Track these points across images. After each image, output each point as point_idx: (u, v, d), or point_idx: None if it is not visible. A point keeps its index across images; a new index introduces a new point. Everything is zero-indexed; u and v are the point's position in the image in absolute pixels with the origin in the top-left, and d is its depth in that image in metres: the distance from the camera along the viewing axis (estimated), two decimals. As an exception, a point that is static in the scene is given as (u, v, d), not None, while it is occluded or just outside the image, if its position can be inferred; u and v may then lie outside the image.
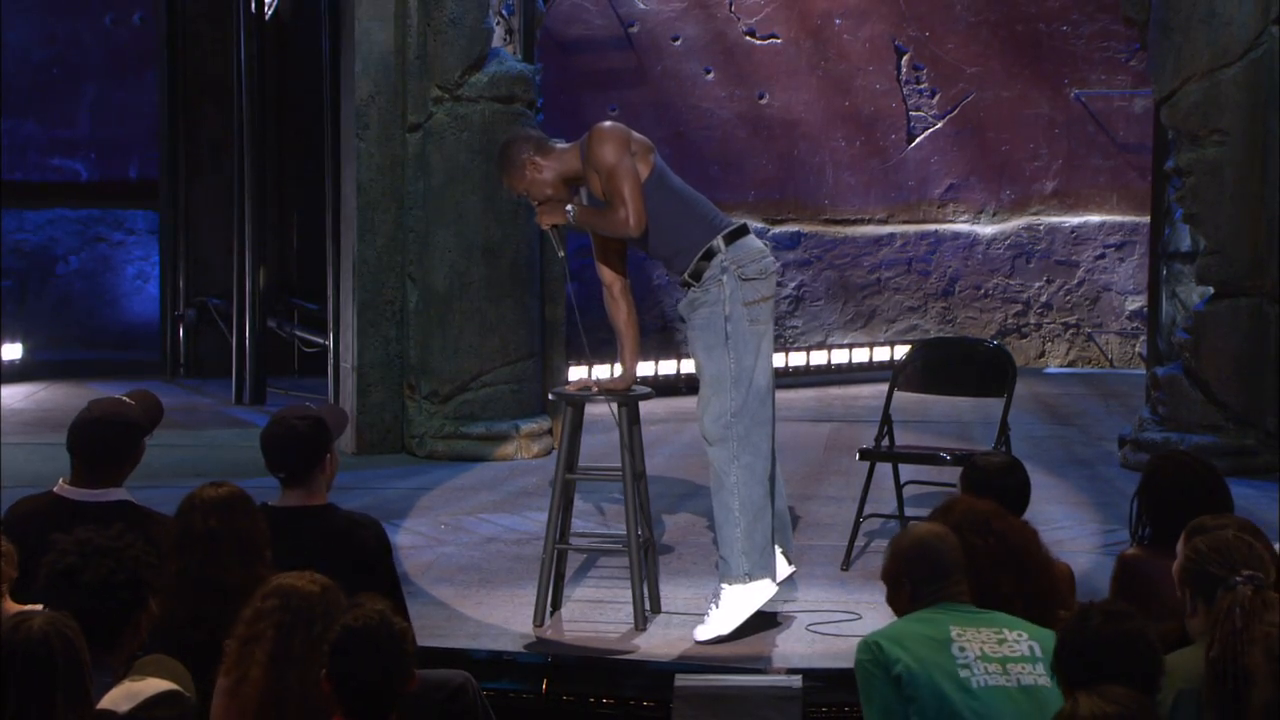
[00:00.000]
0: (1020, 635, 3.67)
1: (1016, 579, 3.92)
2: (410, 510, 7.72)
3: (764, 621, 5.79)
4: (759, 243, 5.74)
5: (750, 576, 5.56)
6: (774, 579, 5.66)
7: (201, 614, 3.87)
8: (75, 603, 3.40)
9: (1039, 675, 3.61)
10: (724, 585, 5.57)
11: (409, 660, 3.36)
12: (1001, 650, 3.63)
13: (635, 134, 5.74)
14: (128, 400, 4.65)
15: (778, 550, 5.81)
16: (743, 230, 5.71)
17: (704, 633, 5.58)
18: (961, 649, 3.63)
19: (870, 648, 3.71)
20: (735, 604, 5.56)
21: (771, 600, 5.86)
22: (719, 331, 5.57)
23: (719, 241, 5.61)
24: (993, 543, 3.94)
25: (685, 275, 5.65)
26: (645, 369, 11.20)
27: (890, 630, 3.76)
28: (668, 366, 11.26)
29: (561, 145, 5.77)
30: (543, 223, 5.78)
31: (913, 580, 3.79)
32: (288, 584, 3.54)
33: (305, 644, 3.47)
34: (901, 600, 3.83)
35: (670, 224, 5.64)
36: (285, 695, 3.47)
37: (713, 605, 5.60)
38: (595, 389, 5.90)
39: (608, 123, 5.72)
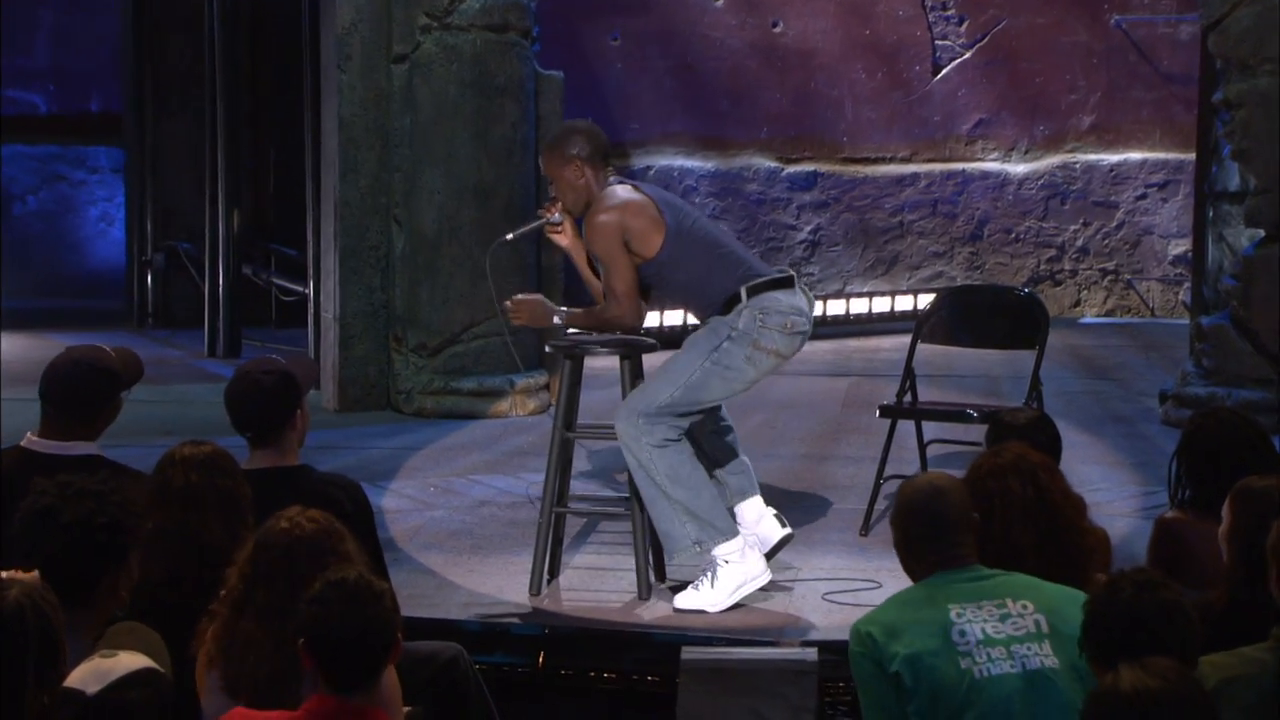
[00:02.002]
0: (1025, 607, 3.65)
1: (1040, 538, 3.92)
2: (396, 471, 7.76)
3: (776, 590, 5.84)
4: (798, 300, 5.73)
5: (702, 545, 5.58)
6: (746, 542, 5.67)
7: (178, 575, 3.90)
8: (51, 544, 3.41)
9: (1045, 655, 3.60)
10: (717, 559, 5.59)
11: (391, 622, 3.38)
12: (1005, 629, 3.63)
13: (640, 202, 5.68)
14: (108, 349, 4.68)
15: (770, 512, 5.86)
16: (777, 283, 5.72)
17: (685, 600, 5.63)
18: (962, 633, 3.63)
19: (864, 639, 3.70)
20: (727, 580, 5.61)
21: (780, 567, 5.90)
22: (711, 343, 5.64)
23: (742, 291, 5.66)
24: (1031, 494, 3.95)
25: (706, 316, 5.76)
26: (651, 319, 11.20)
27: (884, 616, 3.75)
28: (674, 316, 11.26)
29: (612, 178, 5.76)
30: (550, 213, 5.85)
31: (909, 536, 3.81)
32: (266, 527, 3.60)
33: (269, 594, 3.50)
34: (906, 560, 3.84)
35: (694, 276, 5.71)
36: (247, 640, 3.49)
37: (703, 577, 5.64)
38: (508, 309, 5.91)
39: (606, 207, 5.68)
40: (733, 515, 5.82)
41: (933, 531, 3.77)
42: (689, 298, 5.81)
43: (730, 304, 5.67)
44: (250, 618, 3.53)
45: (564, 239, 5.90)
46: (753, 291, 5.67)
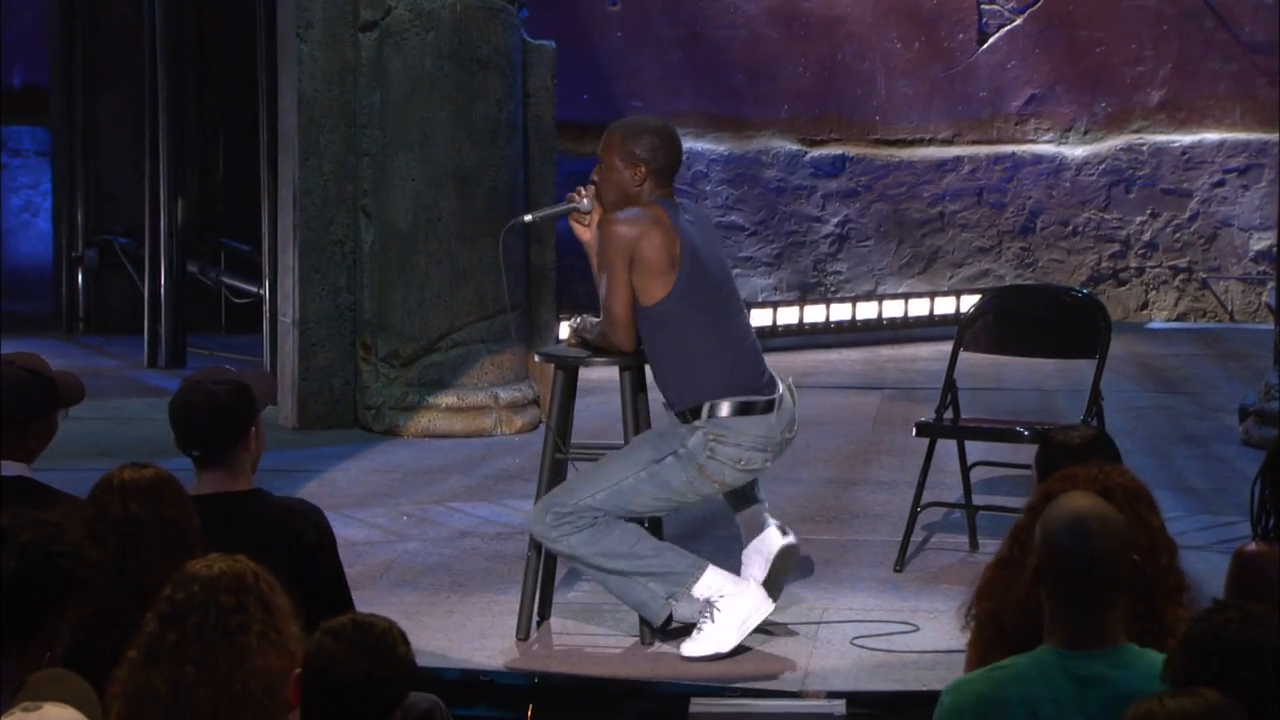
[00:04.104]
0: None
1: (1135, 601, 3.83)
2: (365, 498, 7.78)
3: (797, 633, 5.86)
4: (764, 430, 5.69)
5: (674, 595, 5.62)
6: (730, 576, 5.74)
7: (112, 617, 3.91)
8: (4, 563, 3.44)
9: None
10: (710, 598, 5.63)
11: (398, 689, 3.43)
12: None
13: (666, 236, 5.69)
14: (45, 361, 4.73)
15: (771, 523, 5.89)
16: (748, 408, 5.69)
17: (691, 648, 5.66)
18: None
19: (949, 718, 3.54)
20: (729, 614, 5.64)
21: (803, 607, 5.92)
22: (657, 454, 5.67)
23: (705, 407, 5.66)
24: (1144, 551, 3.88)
25: (669, 407, 5.81)
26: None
27: (975, 713, 3.52)
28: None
29: (661, 198, 5.79)
30: (581, 198, 5.88)
31: (1039, 577, 3.56)
32: (187, 565, 3.60)
33: (176, 641, 3.50)
34: (1048, 614, 3.57)
35: (673, 355, 5.73)
36: (156, 692, 3.50)
37: (703, 619, 5.67)
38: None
39: (627, 218, 5.70)
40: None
41: (1067, 587, 3.52)
42: (662, 370, 5.79)
43: (692, 414, 5.69)
44: (164, 665, 3.53)
45: (587, 233, 5.90)
46: (714, 411, 5.66)
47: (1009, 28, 13.05)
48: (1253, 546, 4.54)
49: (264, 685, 3.47)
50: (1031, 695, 3.48)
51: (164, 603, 3.56)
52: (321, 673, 3.37)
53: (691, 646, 5.66)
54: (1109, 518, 3.58)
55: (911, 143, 13.05)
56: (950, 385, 6.79)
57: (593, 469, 5.75)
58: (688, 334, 5.71)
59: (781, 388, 5.78)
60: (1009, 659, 3.59)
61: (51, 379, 4.64)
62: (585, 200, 5.88)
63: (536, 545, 5.88)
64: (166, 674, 3.49)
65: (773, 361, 6.00)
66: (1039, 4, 13.03)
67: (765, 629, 5.84)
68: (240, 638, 3.49)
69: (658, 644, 5.77)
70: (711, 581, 5.64)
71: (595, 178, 5.87)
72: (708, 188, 12.71)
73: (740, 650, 5.67)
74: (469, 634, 5.95)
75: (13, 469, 4.51)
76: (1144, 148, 13.15)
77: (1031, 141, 13.14)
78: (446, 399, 9.02)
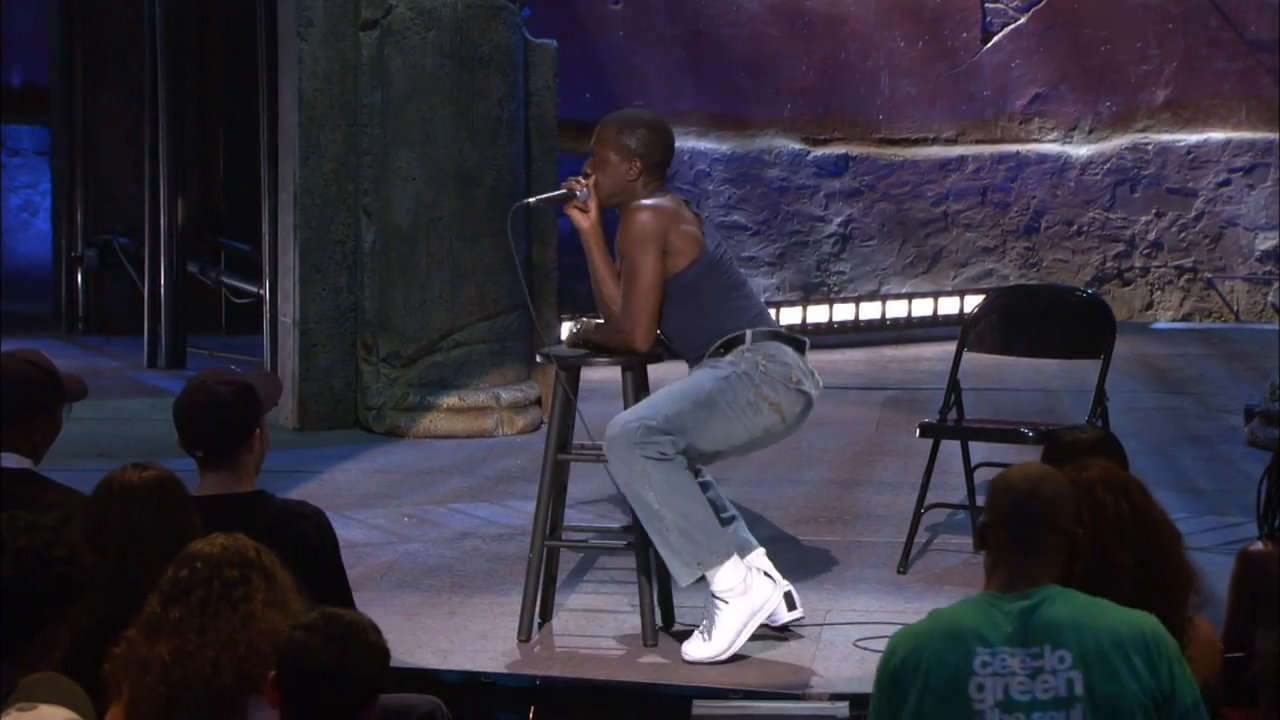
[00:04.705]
0: (1062, 660, 3.62)
1: (1137, 561, 3.91)
2: (366, 499, 7.79)
3: (800, 635, 5.87)
4: (806, 364, 5.86)
5: (702, 563, 5.60)
6: (743, 558, 5.74)
7: (112, 622, 3.91)
8: (1, 570, 3.46)
9: None
10: (716, 598, 5.63)
11: (374, 677, 3.44)
12: (1032, 689, 3.60)
13: (686, 214, 5.86)
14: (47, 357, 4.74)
15: (779, 587, 5.85)
16: (788, 339, 5.89)
17: (691, 650, 5.66)
18: (980, 688, 3.61)
19: (888, 667, 3.71)
20: (729, 621, 5.64)
21: (807, 610, 5.93)
22: (717, 374, 5.74)
23: (748, 333, 5.81)
24: (1126, 510, 3.95)
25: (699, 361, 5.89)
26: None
27: (913, 644, 3.70)
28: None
29: (660, 187, 5.88)
30: (579, 186, 5.92)
31: (984, 531, 3.76)
32: (188, 549, 3.67)
33: (180, 617, 3.56)
34: (987, 565, 3.78)
35: (706, 308, 5.84)
36: (155, 665, 3.53)
37: (705, 621, 5.67)
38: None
39: (653, 207, 5.80)
40: None
41: (1006, 530, 3.72)
42: (690, 330, 5.86)
43: (730, 345, 5.78)
44: (166, 637, 3.56)
45: (586, 220, 5.91)
46: (758, 337, 5.81)
47: (1013, 26, 13.05)
48: (1257, 546, 4.56)
49: (271, 642, 3.51)
50: (970, 627, 3.68)
51: (167, 583, 3.61)
52: (295, 665, 3.40)
53: (693, 648, 5.66)
54: (1052, 474, 3.82)
55: (915, 142, 13.05)
56: (954, 385, 6.79)
57: (658, 394, 5.77)
58: (714, 293, 5.82)
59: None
60: (944, 611, 3.83)
61: (54, 372, 4.65)
62: (583, 189, 5.91)
63: (538, 547, 5.88)
64: (169, 645, 3.54)
65: (776, 362, 6.02)
66: (1043, 2, 13.03)
67: (768, 631, 5.84)
68: (244, 606, 3.55)
69: (660, 646, 5.77)
70: (727, 576, 5.62)
71: (589, 169, 5.90)
72: (710, 187, 12.71)
73: (743, 652, 5.68)
74: (470, 636, 5.96)
75: (13, 461, 4.52)
76: (1149, 147, 13.15)
77: (1036, 141, 13.15)
78: (448, 399, 9.03)
